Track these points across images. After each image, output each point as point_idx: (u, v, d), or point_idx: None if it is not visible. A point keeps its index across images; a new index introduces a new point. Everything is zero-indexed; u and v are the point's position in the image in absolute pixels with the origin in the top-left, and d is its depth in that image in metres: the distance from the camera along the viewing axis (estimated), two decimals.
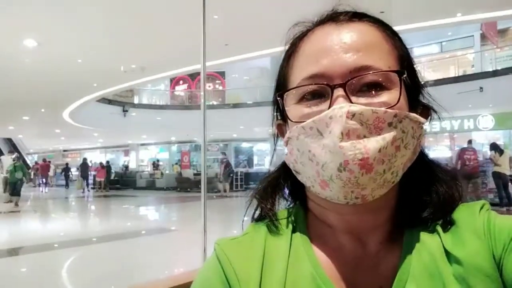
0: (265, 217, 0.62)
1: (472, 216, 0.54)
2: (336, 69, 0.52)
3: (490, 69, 14.95)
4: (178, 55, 8.90)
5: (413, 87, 0.56)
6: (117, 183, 22.53)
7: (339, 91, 0.50)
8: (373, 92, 0.51)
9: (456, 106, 13.91)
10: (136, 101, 22.44)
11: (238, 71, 22.35)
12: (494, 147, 10.41)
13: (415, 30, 8.19)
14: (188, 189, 18.52)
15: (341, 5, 0.58)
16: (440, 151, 18.15)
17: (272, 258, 0.56)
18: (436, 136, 16.31)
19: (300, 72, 0.55)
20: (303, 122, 0.52)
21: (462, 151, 10.58)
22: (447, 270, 0.51)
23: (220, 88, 24.76)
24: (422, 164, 0.59)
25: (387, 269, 0.54)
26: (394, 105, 0.50)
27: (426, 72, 17.99)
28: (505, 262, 0.49)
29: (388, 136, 0.49)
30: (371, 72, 0.51)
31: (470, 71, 16.49)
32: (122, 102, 19.91)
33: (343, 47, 0.52)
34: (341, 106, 0.49)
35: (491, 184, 10.56)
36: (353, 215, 0.54)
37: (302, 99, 0.54)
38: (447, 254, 0.52)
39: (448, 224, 0.55)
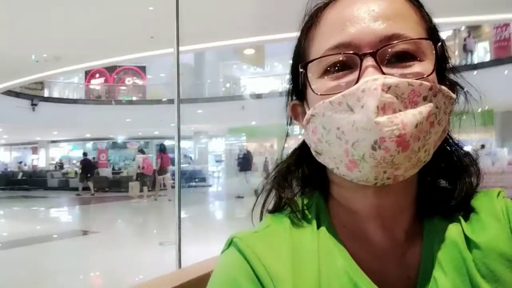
0: (282, 207, 0.58)
1: (491, 201, 0.54)
2: (365, 38, 0.48)
3: None
4: (95, 46, 8.37)
5: (442, 60, 0.53)
6: (25, 183, 20.57)
7: (369, 61, 0.47)
8: (404, 62, 0.48)
9: None
10: (46, 94, 20.84)
11: (159, 67, 21.70)
12: None
13: None
14: (106, 189, 17.56)
15: None
16: None
17: (301, 253, 0.52)
18: None
19: (323, 42, 0.51)
20: (330, 96, 0.48)
21: None
22: (469, 257, 0.50)
23: (141, 83, 23.89)
24: (445, 145, 0.57)
25: (413, 258, 0.52)
26: (428, 75, 0.47)
27: None
28: None
29: (424, 110, 0.46)
30: (403, 40, 0.48)
31: None
32: (31, 95, 18.41)
33: (371, 14, 0.49)
34: (375, 78, 0.45)
35: None
36: (379, 198, 0.51)
37: (326, 72, 0.50)
38: (467, 240, 0.51)
39: (468, 211, 0.54)
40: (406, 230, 0.54)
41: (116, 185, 17.05)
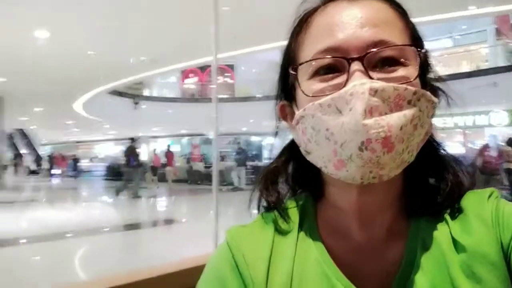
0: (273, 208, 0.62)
1: (480, 203, 0.54)
2: (353, 43, 0.50)
3: (504, 64, 14.72)
4: (188, 47, 8.92)
5: (425, 66, 0.56)
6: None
7: (356, 65, 0.49)
8: (389, 67, 0.50)
9: (469, 101, 13.72)
10: (146, 93, 22.56)
11: (247, 64, 22.30)
12: (510, 143, 10.04)
13: (426, 24, 8.08)
14: (198, 182, 18.57)
15: None
16: (453, 147, 17.94)
17: (281, 248, 0.57)
18: (447, 132, 16.11)
19: (313, 46, 0.53)
20: (319, 98, 0.50)
21: (484, 148, 9.97)
22: (453, 258, 0.51)
23: (230, 81, 24.74)
24: (429, 147, 0.57)
25: (394, 255, 0.54)
26: (412, 80, 0.50)
27: (437, 67, 17.71)
28: None
29: (409, 113, 0.48)
30: (389, 46, 0.50)
31: (483, 66, 16.23)
32: (133, 95, 20.02)
33: (359, 21, 0.51)
34: (363, 82, 0.47)
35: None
36: (361, 195, 0.53)
37: (315, 74, 0.52)
38: (454, 242, 0.52)
39: (456, 211, 0.55)
40: (388, 228, 0.55)
41: (208, 178, 17.93)
